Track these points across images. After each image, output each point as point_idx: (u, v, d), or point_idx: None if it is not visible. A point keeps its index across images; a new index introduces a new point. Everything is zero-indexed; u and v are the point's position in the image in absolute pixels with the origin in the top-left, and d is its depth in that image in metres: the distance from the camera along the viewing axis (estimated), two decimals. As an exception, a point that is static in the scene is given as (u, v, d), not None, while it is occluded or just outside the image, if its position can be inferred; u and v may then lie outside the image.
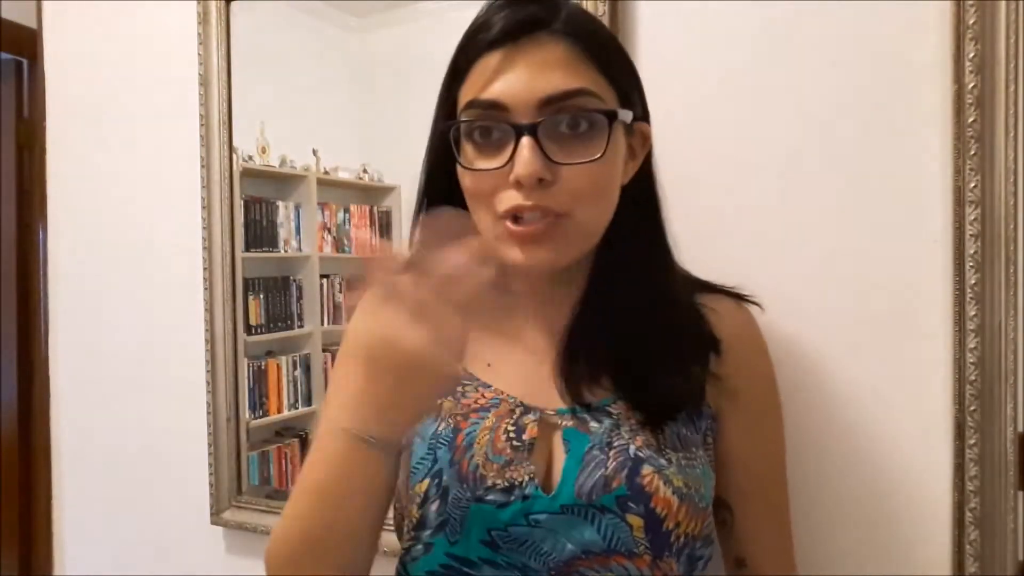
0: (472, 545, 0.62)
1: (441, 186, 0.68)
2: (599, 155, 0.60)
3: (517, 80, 0.60)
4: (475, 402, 0.67)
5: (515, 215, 0.61)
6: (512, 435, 0.64)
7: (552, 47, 0.60)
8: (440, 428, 0.66)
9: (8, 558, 2.23)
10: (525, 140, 0.59)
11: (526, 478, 0.62)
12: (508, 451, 0.63)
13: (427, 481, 0.64)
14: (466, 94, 0.63)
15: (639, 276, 0.68)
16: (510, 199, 0.61)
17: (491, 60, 0.61)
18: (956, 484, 0.76)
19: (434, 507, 0.63)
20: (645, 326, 0.67)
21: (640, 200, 0.68)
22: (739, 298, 0.73)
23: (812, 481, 0.77)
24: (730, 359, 0.69)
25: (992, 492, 0.74)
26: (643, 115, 0.68)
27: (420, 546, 0.65)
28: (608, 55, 0.63)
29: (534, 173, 0.58)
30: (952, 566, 0.77)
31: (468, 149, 0.64)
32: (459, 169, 0.65)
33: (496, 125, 0.61)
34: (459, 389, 0.68)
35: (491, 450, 0.63)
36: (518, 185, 0.60)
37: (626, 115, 0.63)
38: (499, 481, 0.62)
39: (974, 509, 0.75)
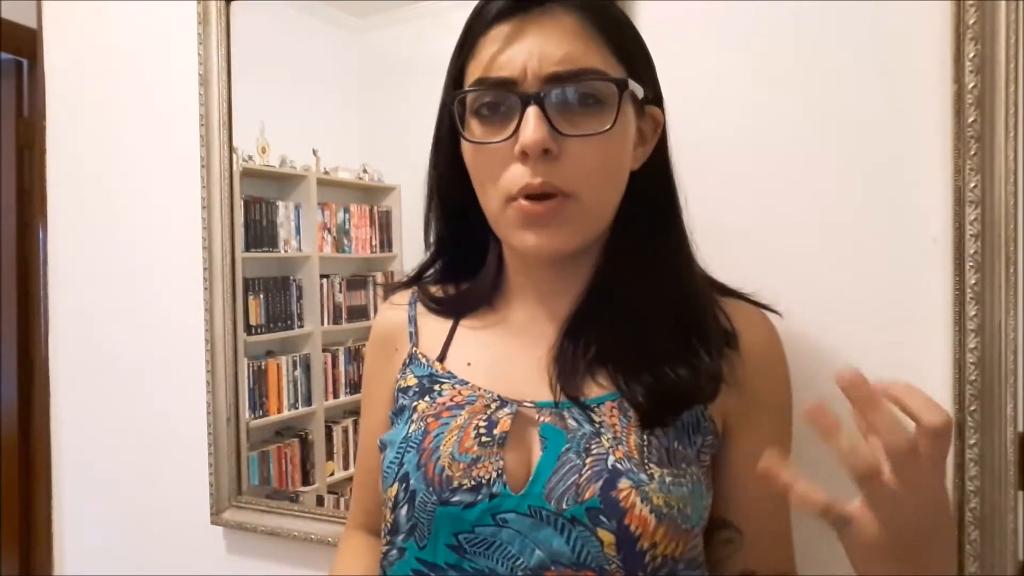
0: (439, 550, 0.60)
1: (450, 166, 0.67)
2: (608, 127, 0.58)
3: (525, 51, 0.58)
4: (450, 399, 0.66)
5: (526, 195, 0.59)
6: (483, 431, 0.61)
7: (562, 18, 0.59)
8: (411, 431, 0.65)
9: (8, 558, 2.23)
10: (531, 109, 0.57)
11: (493, 475, 0.59)
12: (475, 449, 0.61)
13: (396, 485, 0.63)
14: (474, 68, 0.62)
15: (649, 265, 0.66)
16: (517, 177, 0.59)
17: (500, 31, 0.60)
18: (956, 484, 0.76)
19: (403, 511, 0.62)
20: (652, 316, 0.64)
21: (653, 188, 0.67)
22: (759, 305, 0.71)
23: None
24: (747, 369, 0.65)
25: (992, 492, 0.74)
26: (655, 99, 0.67)
27: (395, 551, 0.64)
28: (619, 31, 0.62)
29: (540, 141, 0.57)
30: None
31: (474, 124, 0.62)
32: (464, 146, 0.63)
33: (502, 97, 0.59)
34: (436, 388, 0.67)
35: (457, 449, 0.61)
36: (523, 156, 0.58)
37: (636, 88, 0.62)
38: (466, 481, 0.60)
39: (974, 509, 0.75)
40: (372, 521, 0.79)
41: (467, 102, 0.62)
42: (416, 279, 0.76)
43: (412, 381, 0.69)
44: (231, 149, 1.20)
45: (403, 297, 0.77)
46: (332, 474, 1.18)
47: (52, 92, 1.46)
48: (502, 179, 0.60)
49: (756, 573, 0.68)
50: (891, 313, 0.79)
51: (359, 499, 0.82)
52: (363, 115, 1.14)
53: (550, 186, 0.58)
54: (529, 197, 0.59)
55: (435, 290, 0.75)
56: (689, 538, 0.59)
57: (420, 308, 0.75)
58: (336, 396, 1.19)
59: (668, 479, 0.59)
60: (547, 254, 0.62)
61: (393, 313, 0.76)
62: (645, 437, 0.60)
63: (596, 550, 0.56)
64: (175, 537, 1.31)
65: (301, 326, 1.21)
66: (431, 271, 0.75)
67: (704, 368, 0.62)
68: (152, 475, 1.34)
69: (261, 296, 1.21)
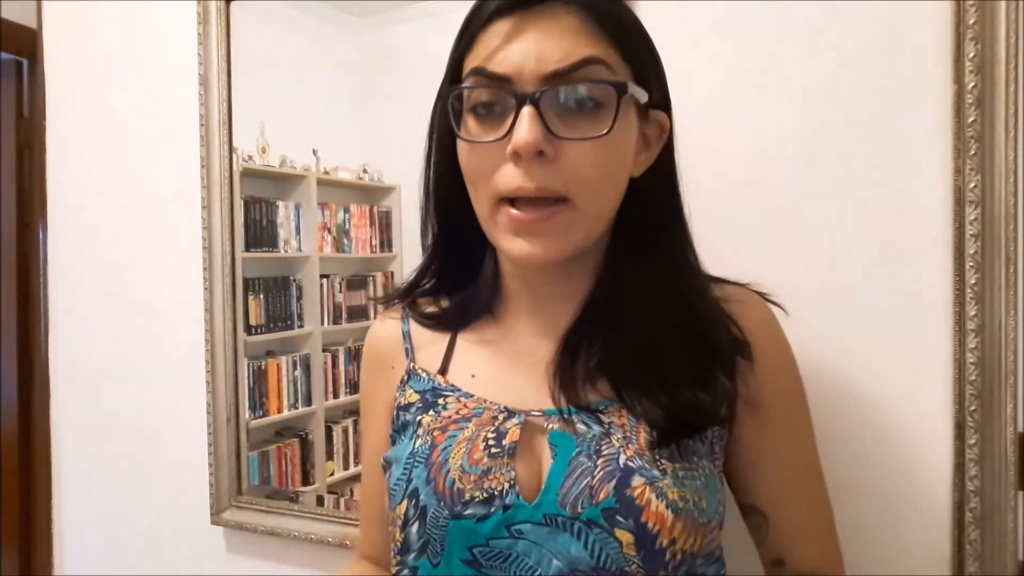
0: (454, 565, 0.59)
1: (446, 165, 0.65)
2: (604, 132, 0.56)
3: (524, 49, 0.57)
4: (456, 412, 0.64)
5: (514, 199, 0.57)
6: (492, 442, 0.60)
7: (564, 16, 0.57)
8: (417, 445, 0.63)
9: (8, 558, 2.23)
10: (526, 109, 0.55)
11: (506, 485, 0.58)
12: (485, 460, 0.59)
13: (405, 502, 0.61)
14: (471, 62, 0.60)
15: (651, 273, 0.63)
16: (510, 179, 0.57)
17: (499, 27, 0.58)
18: (956, 484, 0.76)
19: (414, 529, 0.60)
20: (655, 327, 0.62)
21: (656, 194, 0.65)
22: (763, 297, 0.69)
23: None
24: (757, 367, 0.64)
25: (992, 492, 0.74)
26: (662, 103, 0.64)
27: (406, 570, 0.63)
28: (624, 30, 0.60)
29: (533, 143, 0.55)
30: (952, 566, 0.77)
31: (470, 122, 0.60)
32: (459, 145, 0.62)
33: (497, 95, 0.58)
34: (440, 402, 0.66)
35: (467, 462, 0.59)
36: (516, 157, 0.56)
37: (638, 92, 0.59)
38: (477, 494, 0.58)
39: (974, 509, 0.75)
40: (375, 551, 0.78)
41: (464, 99, 0.60)
42: (411, 290, 0.73)
43: (414, 397, 0.68)
44: (231, 149, 1.20)
45: (394, 311, 0.74)
46: (332, 474, 1.18)
47: (52, 92, 1.46)
48: (494, 179, 0.58)
49: (785, 561, 0.67)
50: (891, 313, 0.79)
51: (364, 528, 0.80)
52: (363, 115, 1.14)
53: (544, 190, 0.56)
54: (520, 204, 0.58)
55: (427, 305, 0.73)
56: (706, 532, 0.58)
57: (414, 322, 0.73)
58: (336, 396, 1.20)
59: (680, 473, 0.58)
60: (538, 262, 0.60)
61: (385, 330, 0.74)
62: (654, 434, 0.60)
63: (615, 552, 0.55)
64: (175, 537, 1.31)
65: (301, 326, 1.21)
66: (426, 279, 0.73)
67: (719, 391, 0.61)
68: (152, 475, 1.34)
69: (261, 296, 1.21)
